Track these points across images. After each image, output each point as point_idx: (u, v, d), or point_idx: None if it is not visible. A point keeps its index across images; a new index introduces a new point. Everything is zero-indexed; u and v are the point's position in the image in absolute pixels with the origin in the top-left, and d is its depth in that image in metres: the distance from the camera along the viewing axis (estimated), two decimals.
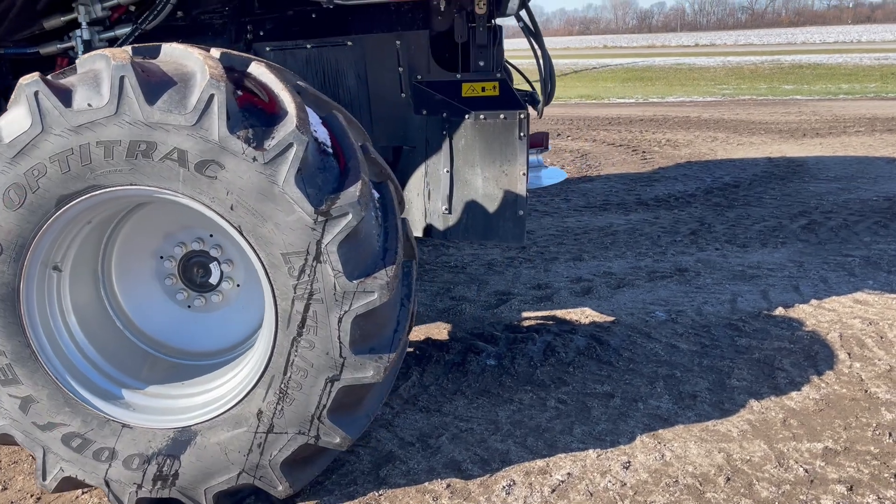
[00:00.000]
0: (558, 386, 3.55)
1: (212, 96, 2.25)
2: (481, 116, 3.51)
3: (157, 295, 2.92)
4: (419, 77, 3.57)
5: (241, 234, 2.37)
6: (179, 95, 2.28)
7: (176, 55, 2.46)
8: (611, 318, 4.35)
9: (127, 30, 3.30)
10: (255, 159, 2.28)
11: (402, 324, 2.63)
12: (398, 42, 3.53)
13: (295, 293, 2.41)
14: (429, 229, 3.72)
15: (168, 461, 2.57)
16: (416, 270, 2.89)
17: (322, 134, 2.52)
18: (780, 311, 4.39)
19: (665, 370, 3.67)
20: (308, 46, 3.55)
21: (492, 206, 3.61)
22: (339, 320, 2.41)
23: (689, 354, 3.84)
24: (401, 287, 2.68)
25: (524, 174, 3.54)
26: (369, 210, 2.48)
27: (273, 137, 2.29)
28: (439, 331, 4.25)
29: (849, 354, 3.78)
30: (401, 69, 3.56)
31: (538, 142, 5.07)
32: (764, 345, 3.92)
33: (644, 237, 6.07)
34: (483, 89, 3.56)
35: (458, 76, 3.58)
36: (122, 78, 2.24)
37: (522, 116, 3.49)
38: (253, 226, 2.36)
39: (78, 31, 3.30)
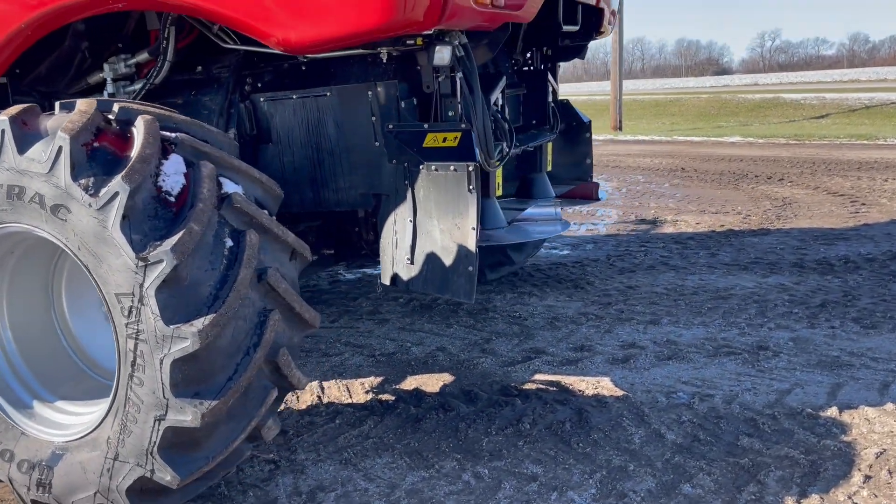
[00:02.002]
0: (491, 459, 3.28)
1: (60, 147, 2.54)
2: (433, 167, 3.43)
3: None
4: (390, 126, 3.58)
5: (89, 273, 2.63)
6: (43, 146, 2.62)
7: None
8: (620, 393, 3.88)
9: (139, 85, 3.78)
10: (90, 205, 2.53)
11: (239, 372, 2.67)
12: (370, 92, 3.59)
13: (127, 331, 2.60)
14: (395, 278, 3.69)
15: (46, 471, 2.90)
16: (293, 322, 2.90)
17: (171, 182, 2.68)
18: (831, 411, 3.56)
19: (621, 460, 3.20)
20: (294, 97, 3.76)
21: (448, 260, 3.48)
22: (161, 362, 2.54)
23: (666, 448, 3.30)
24: (249, 336, 2.71)
25: (474, 228, 3.37)
26: (198, 258, 2.58)
27: (106, 186, 2.52)
28: (435, 382, 4.15)
29: (866, 479, 2.96)
30: (374, 118, 3.61)
31: (587, 193, 4.71)
32: (767, 450, 3.22)
33: (756, 305, 5.26)
34: (444, 140, 3.47)
35: (426, 126, 3.54)
36: (2, 131, 2.65)
37: (471, 169, 3.33)
38: (95, 266, 2.60)
39: (107, 87, 3.86)
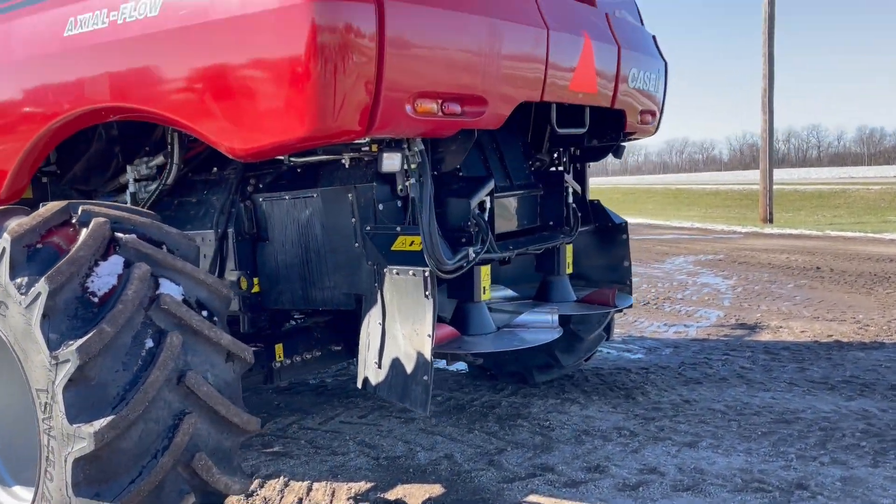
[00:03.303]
0: None
1: (4, 248, 2.77)
2: (394, 271, 3.37)
3: None
4: (368, 228, 3.60)
5: (21, 367, 2.80)
6: None
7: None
8: None
9: (154, 186, 4.07)
10: (20, 303, 2.71)
11: (144, 475, 2.67)
12: (350, 195, 3.63)
13: (42, 426, 2.72)
14: (365, 382, 3.62)
15: None
16: (213, 426, 2.89)
17: (101, 283, 2.81)
18: None
19: None
20: (287, 198, 3.88)
21: (408, 366, 3.38)
22: (65, 460, 2.62)
23: None
24: (160, 439, 2.72)
25: (430, 336, 3.25)
26: (109, 358, 2.66)
27: (34, 285, 2.69)
28: (422, 494, 3.94)
29: None
30: (354, 220, 3.64)
31: (603, 300, 4.41)
32: None
33: (821, 433, 4.60)
34: (411, 244, 3.42)
35: (398, 229, 3.52)
36: None
37: (427, 274, 3.24)
38: (24, 361, 2.77)
39: (129, 186, 4.18)
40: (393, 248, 3.46)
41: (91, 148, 4.12)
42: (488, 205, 3.80)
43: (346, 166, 3.52)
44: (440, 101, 3.07)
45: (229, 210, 3.98)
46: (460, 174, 3.94)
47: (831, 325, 7.86)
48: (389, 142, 3.24)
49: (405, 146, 3.26)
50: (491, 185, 3.78)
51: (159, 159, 4.04)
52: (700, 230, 21.02)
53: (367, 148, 3.26)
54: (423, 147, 3.28)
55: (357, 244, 3.64)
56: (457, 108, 3.15)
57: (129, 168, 4.16)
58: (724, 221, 24.05)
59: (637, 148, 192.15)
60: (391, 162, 3.22)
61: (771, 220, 22.20)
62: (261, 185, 4.04)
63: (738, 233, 19.61)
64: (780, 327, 7.83)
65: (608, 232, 4.94)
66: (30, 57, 3.64)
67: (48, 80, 3.57)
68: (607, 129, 4.57)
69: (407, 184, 3.40)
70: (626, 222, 5.02)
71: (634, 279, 11.85)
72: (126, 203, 4.17)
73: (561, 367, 5.72)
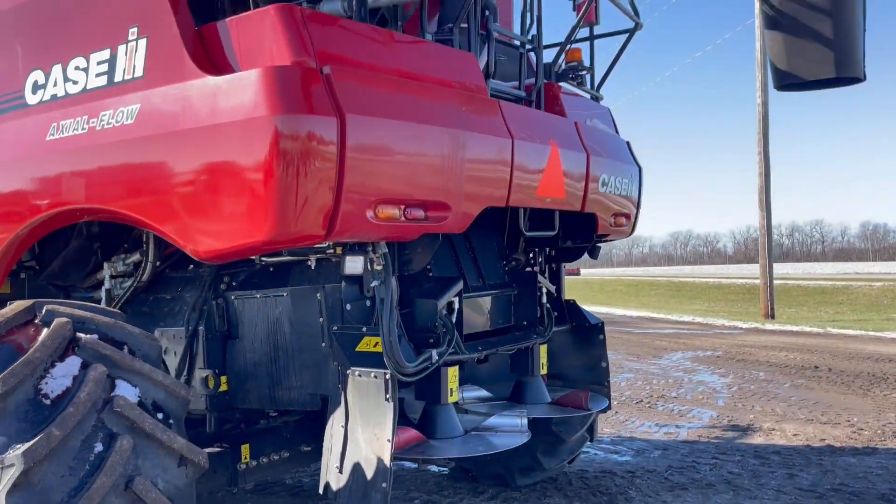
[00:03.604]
0: None
1: None
2: (356, 372, 3.36)
3: None
4: (335, 328, 3.61)
5: None
6: None
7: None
8: None
9: (129, 283, 4.12)
10: None
11: None
12: (318, 294, 3.67)
13: None
14: (326, 487, 3.55)
15: None
16: None
17: (55, 385, 2.81)
18: None
19: None
20: (258, 296, 3.91)
21: (369, 472, 3.32)
22: None
23: None
24: None
25: (389, 441, 3.21)
26: (56, 463, 2.63)
27: None
28: None
29: None
30: (321, 319, 3.66)
31: (576, 402, 4.36)
32: None
33: None
34: (376, 345, 3.43)
35: (364, 329, 3.53)
36: None
37: (387, 377, 3.23)
38: None
39: (105, 283, 4.23)
40: (357, 349, 3.46)
41: (70, 245, 4.19)
42: (457, 305, 3.82)
43: (313, 267, 3.56)
44: (402, 207, 3.14)
45: (201, 307, 4.00)
46: (430, 274, 3.98)
47: (825, 428, 7.70)
48: (353, 245, 3.30)
49: (369, 249, 3.31)
50: (460, 286, 3.82)
51: (136, 256, 4.10)
52: (701, 325, 20.92)
53: (331, 250, 3.31)
54: (386, 250, 3.34)
55: (324, 344, 3.65)
56: (420, 214, 3.22)
57: (105, 265, 4.21)
58: (725, 316, 23.95)
59: (641, 240, 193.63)
60: (354, 265, 3.27)
61: (772, 316, 22.07)
62: (234, 283, 4.08)
63: (739, 328, 19.49)
64: (773, 430, 7.67)
65: (584, 332, 4.94)
66: (13, 159, 3.76)
67: (29, 181, 3.68)
68: (581, 230, 4.64)
69: (372, 285, 3.43)
70: (602, 323, 5.02)
71: (630, 375, 11.71)
72: (101, 299, 4.21)
73: (543, 469, 5.58)
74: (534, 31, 4.52)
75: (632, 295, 40.25)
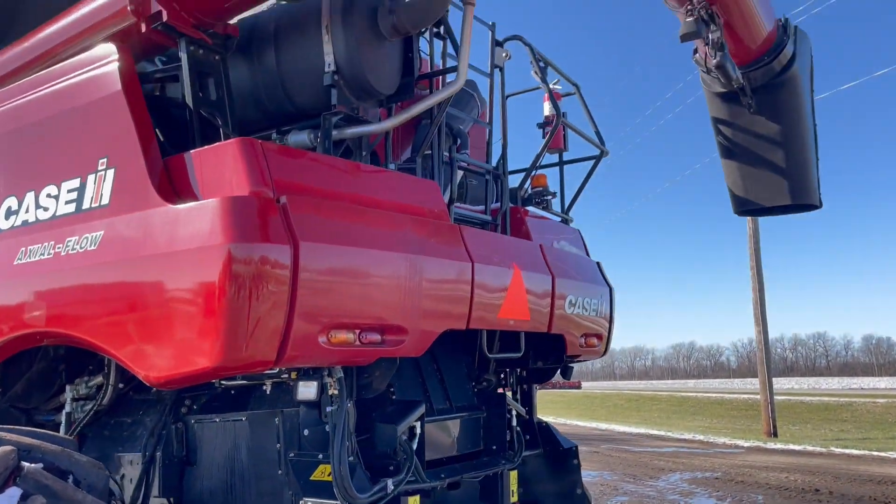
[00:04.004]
0: None
1: None
2: (309, 503, 3.27)
3: None
4: (292, 454, 3.54)
5: None
6: None
7: None
8: None
9: (90, 406, 4.07)
10: None
11: None
12: (276, 419, 3.62)
13: None
14: None
15: None
16: None
17: None
18: None
19: None
20: (217, 420, 3.86)
21: None
22: None
23: None
24: None
25: None
26: None
27: None
28: None
29: None
30: (279, 446, 3.59)
31: None
32: None
33: None
34: (330, 473, 3.35)
35: (320, 456, 3.46)
36: None
37: None
38: None
39: (66, 407, 4.18)
40: (312, 478, 3.37)
41: (34, 367, 4.17)
42: (419, 430, 3.75)
43: (269, 392, 3.53)
44: (357, 331, 3.15)
45: (160, 432, 3.94)
46: (393, 397, 3.94)
47: None
48: (308, 369, 3.28)
49: (325, 373, 3.29)
50: (421, 410, 3.76)
51: (98, 379, 4.07)
52: (702, 443, 20.39)
53: (286, 375, 3.30)
54: (342, 374, 3.32)
55: (280, 471, 3.56)
56: (376, 338, 3.22)
57: (68, 388, 4.17)
58: (727, 433, 23.38)
59: (644, 352, 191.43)
60: (307, 391, 3.24)
61: (775, 434, 21.54)
62: (194, 407, 4.03)
63: (741, 447, 18.98)
64: None
65: (558, 457, 4.82)
66: None
67: None
68: (550, 351, 4.63)
69: (328, 410, 3.39)
70: (576, 446, 4.90)
71: (625, 497, 11.31)
72: (61, 423, 4.15)
73: None
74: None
75: (633, 410, 39.44)
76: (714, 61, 4.02)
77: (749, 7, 4.03)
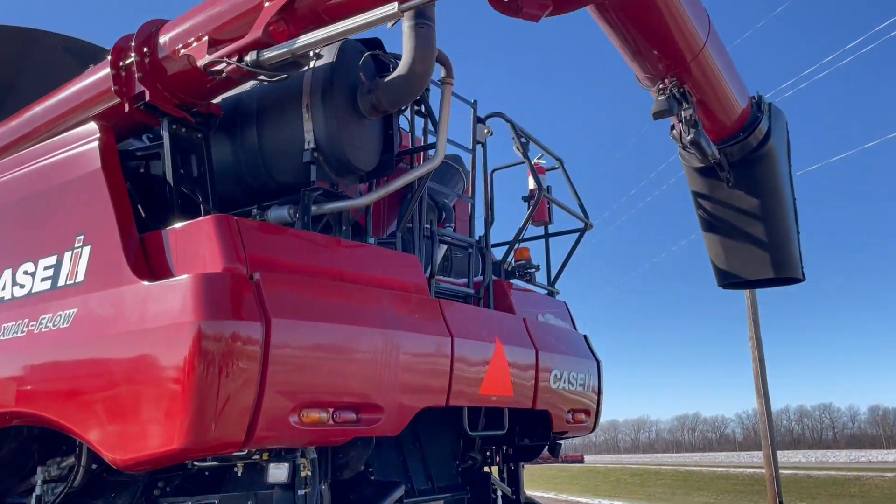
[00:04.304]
0: None
1: None
2: None
3: None
4: None
5: None
6: None
7: None
8: None
9: (60, 488, 3.94)
10: None
11: None
12: (250, 503, 3.50)
13: None
14: None
15: None
16: None
17: None
18: None
19: None
20: (189, 502, 3.73)
21: None
22: None
23: None
24: None
25: None
26: None
27: None
28: None
29: None
30: None
31: None
32: None
33: None
34: None
35: None
36: None
37: None
38: None
39: (36, 488, 4.05)
40: None
41: (4, 448, 4.07)
42: None
43: (240, 474, 3.43)
44: (331, 410, 3.09)
45: None
46: (371, 477, 3.82)
47: None
48: (279, 450, 3.20)
49: (298, 454, 3.21)
50: (399, 493, 3.65)
51: (70, 461, 3.96)
52: None
53: (257, 456, 3.21)
54: (315, 455, 3.23)
55: None
56: (350, 416, 3.15)
57: (39, 469, 4.06)
58: None
59: (648, 425, 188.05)
60: (278, 472, 3.15)
61: None
62: (168, 489, 3.90)
63: None
64: None
65: None
66: None
67: None
68: (537, 428, 4.53)
69: (300, 493, 3.29)
70: None
71: None
72: None
73: None
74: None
75: (637, 485, 38.42)
76: (689, 138, 4.09)
77: (721, 86, 4.12)
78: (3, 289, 3.68)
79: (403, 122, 4.26)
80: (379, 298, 3.42)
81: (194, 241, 3.14)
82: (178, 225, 3.26)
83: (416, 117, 4.19)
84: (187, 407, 2.77)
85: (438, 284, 4.35)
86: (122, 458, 3.00)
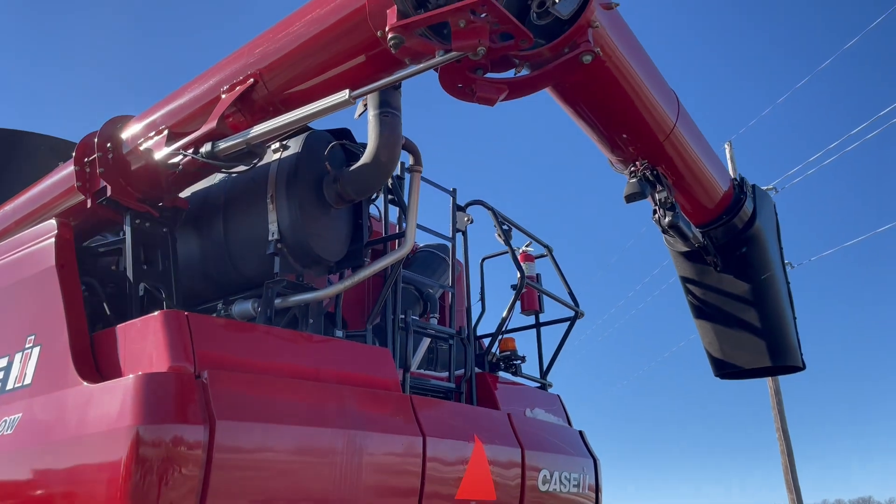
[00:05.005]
0: None
1: None
2: None
3: None
4: None
5: None
6: None
7: None
8: None
9: None
10: None
11: None
12: None
13: None
14: None
15: None
16: None
17: None
18: None
19: None
20: None
21: None
22: None
23: None
24: None
25: None
26: None
27: None
28: None
29: None
30: None
31: None
32: None
33: None
34: None
35: None
36: None
37: None
38: None
39: None
40: None
41: None
42: None
43: None
44: None
45: None
46: None
47: None
48: None
49: None
50: None
51: None
52: None
53: None
54: None
55: None
56: None
57: None
58: None
59: None
60: None
61: None
62: None
63: None
64: None
65: None
66: None
67: None
68: None
69: None
70: None
71: None
72: None
73: None
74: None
75: None
76: (666, 220, 3.92)
77: (697, 166, 3.97)
78: None
79: (377, 212, 4.16)
80: (341, 396, 3.20)
81: (142, 338, 2.98)
82: (127, 322, 3.11)
83: (391, 206, 4.09)
84: None
85: (417, 380, 4.14)
86: None
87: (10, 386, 3.27)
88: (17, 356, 3.30)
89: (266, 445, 2.86)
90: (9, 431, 3.10)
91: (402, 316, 3.92)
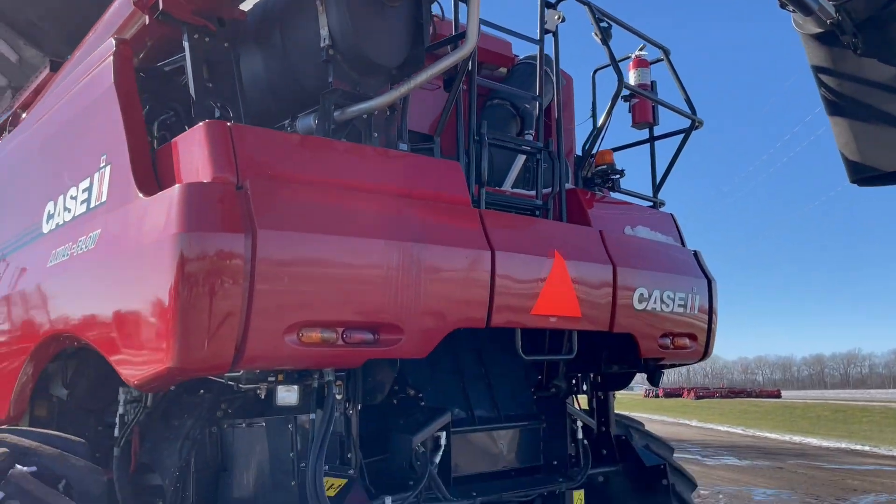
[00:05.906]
0: None
1: None
2: None
3: None
4: (303, 464, 3.29)
5: None
6: None
7: None
8: None
9: (137, 407, 4.06)
10: None
11: None
12: (290, 426, 3.38)
13: None
14: None
15: None
16: None
17: None
18: None
19: None
20: (243, 426, 3.67)
21: None
22: None
23: None
24: None
25: None
26: None
27: None
28: None
29: None
30: (292, 454, 3.35)
31: None
32: None
33: None
34: (330, 486, 3.06)
35: (327, 468, 3.17)
36: None
37: None
38: None
39: (119, 409, 4.20)
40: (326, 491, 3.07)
41: (92, 368, 4.25)
42: (444, 441, 3.32)
43: (263, 396, 3.27)
44: (340, 330, 2.81)
45: (195, 437, 3.82)
46: (422, 403, 3.53)
47: None
48: (291, 372, 2.99)
49: (315, 376, 2.98)
50: (445, 419, 3.33)
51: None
52: None
53: (272, 378, 3.02)
54: (331, 378, 2.98)
55: (294, 482, 3.29)
56: (365, 336, 2.86)
57: (121, 389, 4.20)
58: None
59: (859, 359, 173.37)
60: (287, 395, 2.96)
61: None
62: (229, 410, 3.88)
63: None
64: None
65: (641, 476, 4.13)
66: (25, 287, 3.92)
67: (30, 308, 3.80)
68: (627, 353, 3.98)
69: (311, 417, 3.08)
70: (664, 464, 4.18)
71: None
72: (116, 423, 4.18)
73: None
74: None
75: (839, 422, 35.45)
76: None
77: None
78: (59, 214, 3.75)
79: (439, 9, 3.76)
80: (396, 208, 3.05)
81: (189, 151, 2.95)
82: (180, 136, 3.08)
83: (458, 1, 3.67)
84: (172, 326, 2.62)
85: (500, 196, 3.89)
86: (131, 375, 2.94)
87: (93, 204, 3.41)
88: (96, 175, 3.41)
89: (312, 256, 2.80)
90: (93, 246, 3.26)
91: (477, 126, 3.62)
